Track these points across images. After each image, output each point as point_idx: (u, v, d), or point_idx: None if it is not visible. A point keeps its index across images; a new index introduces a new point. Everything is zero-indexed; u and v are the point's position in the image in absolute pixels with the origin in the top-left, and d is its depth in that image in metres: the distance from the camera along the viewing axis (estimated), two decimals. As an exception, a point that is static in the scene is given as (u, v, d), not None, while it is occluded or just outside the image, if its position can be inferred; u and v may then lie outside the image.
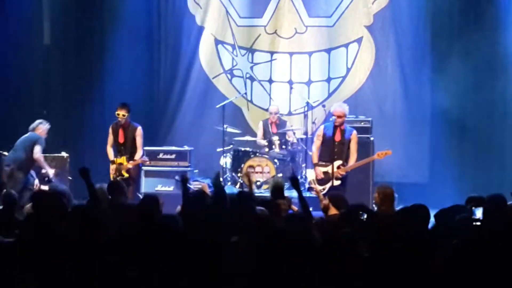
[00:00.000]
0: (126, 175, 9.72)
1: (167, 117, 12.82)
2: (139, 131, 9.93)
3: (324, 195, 8.62)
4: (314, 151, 9.41)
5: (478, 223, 5.27)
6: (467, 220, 5.04)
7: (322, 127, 9.53)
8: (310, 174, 9.47)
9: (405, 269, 4.43)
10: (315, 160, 9.34)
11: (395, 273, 4.41)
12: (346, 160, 9.18)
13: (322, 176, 9.17)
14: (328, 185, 9.07)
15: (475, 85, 11.56)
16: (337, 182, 9.07)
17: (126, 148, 9.90)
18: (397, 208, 7.60)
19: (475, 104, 11.61)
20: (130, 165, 9.81)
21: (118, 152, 9.93)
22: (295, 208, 7.04)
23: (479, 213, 5.37)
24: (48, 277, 4.68)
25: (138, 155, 9.92)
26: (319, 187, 9.01)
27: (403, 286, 4.39)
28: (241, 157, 11.32)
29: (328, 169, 9.12)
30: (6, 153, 10.26)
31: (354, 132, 9.31)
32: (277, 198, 6.61)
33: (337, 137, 9.11)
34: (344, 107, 9.37)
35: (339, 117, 9.14)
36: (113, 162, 9.87)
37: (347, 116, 9.38)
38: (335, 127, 9.18)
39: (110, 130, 10.02)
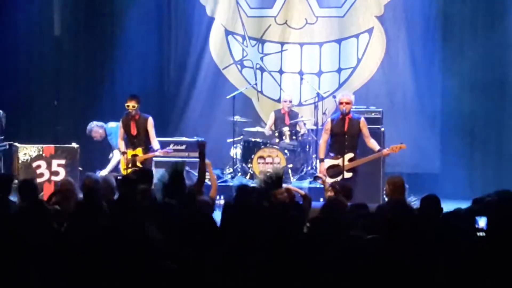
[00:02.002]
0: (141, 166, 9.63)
1: (178, 108, 12.82)
2: (150, 121, 9.84)
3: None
4: (321, 145, 9.15)
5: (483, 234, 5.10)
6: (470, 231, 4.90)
7: (329, 120, 9.26)
8: (321, 165, 9.31)
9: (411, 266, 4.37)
10: (321, 155, 9.03)
11: (400, 269, 4.35)
12: (356, 152, 8.95)
13: (325, 173, 8.83)
14: (339, 178, 8.69)
15: (487, 76, 11.49)
16: (348, 174, 8.79)
17: (140, 140, 9.79)
18: (408, 198, 7.61)
19: (486, 95, 11.55)
20: (147, 156, 9.76)
21: (131, 145, 9.77)
22: (301, 192, 6.95)
23: (482, 222, 5.20)
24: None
25: (156, 146, 9.84)
26: (332, 180, 8.64)
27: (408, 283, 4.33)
28: (251, 147, 11.31)
29: (339, 161, 8.83)
30: (17, 144, 10.30)
31: (362, 118, 9.07)
32: (273, 188, 6.52)
33: (346, 128, 8.82)
34: (350, 94, 9.22)
35: (347, 103, 8.86)
36: (124, 153, 9.79)
37: (353, 104, 9.17)
38: (343, 118, 8.89)
39: (121, 124, 9.93)
